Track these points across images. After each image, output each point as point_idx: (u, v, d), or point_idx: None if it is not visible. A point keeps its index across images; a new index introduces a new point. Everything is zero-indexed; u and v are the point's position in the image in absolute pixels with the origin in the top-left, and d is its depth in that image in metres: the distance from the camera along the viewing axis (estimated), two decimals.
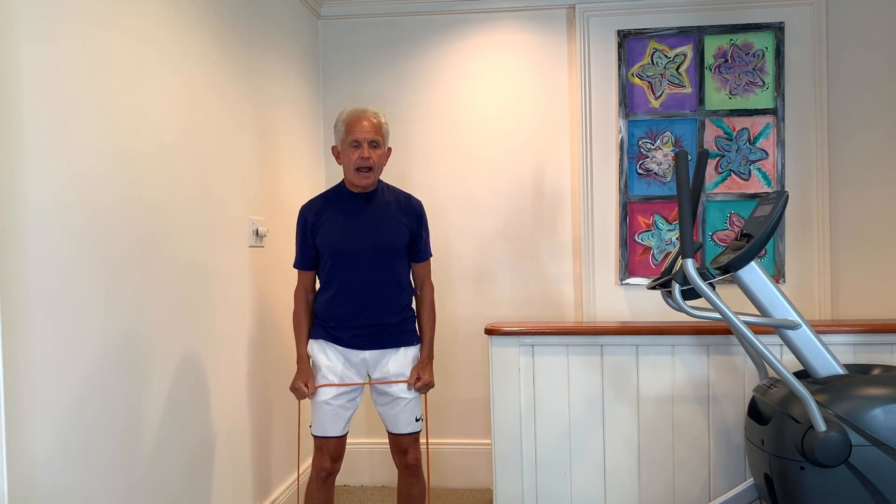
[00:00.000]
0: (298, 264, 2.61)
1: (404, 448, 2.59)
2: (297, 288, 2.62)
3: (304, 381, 2.51)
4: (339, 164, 2.54)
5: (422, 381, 2.54)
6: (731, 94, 3.55)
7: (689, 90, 3.57)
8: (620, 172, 3.59)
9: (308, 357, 2.57)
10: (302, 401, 2.82)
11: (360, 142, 2.45)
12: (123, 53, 2.03)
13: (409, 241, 2.58)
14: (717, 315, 2.21)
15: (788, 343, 2.32)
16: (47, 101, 1.73)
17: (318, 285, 2.64)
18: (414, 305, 2.65)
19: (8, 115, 1.60)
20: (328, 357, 2.53)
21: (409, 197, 2.62)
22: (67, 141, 1.80)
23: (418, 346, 2.62)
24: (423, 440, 2.62)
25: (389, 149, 2.58)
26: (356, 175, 2.48)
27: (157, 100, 2.20)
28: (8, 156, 1.60)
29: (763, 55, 3.53)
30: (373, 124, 2.47)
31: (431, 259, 2.69)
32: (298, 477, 2.63)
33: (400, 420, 2.56)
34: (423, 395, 2.61)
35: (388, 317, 2.53)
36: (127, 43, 2.05)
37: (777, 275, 3.51)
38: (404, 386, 2.54)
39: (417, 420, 2.58)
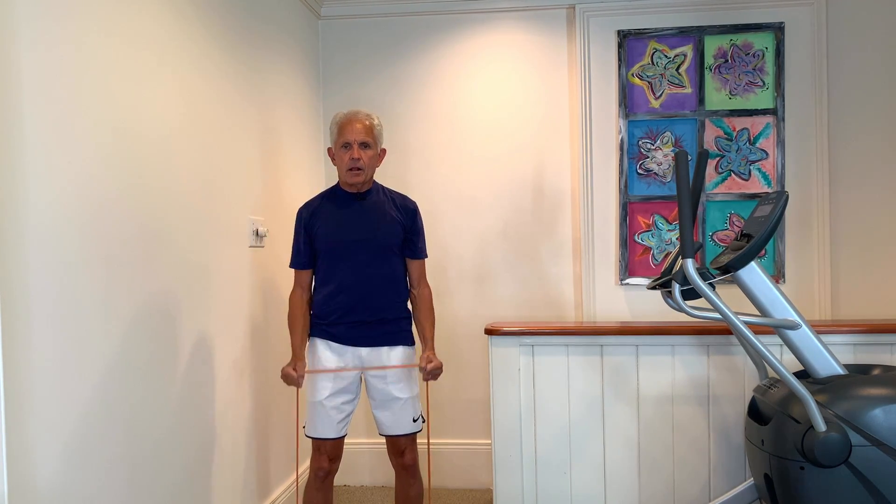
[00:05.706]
0: (294, 264, 2.62)
1: (401, 449, 2.58)
2: (293, 289, 2.62)
3: (293, 366, 2.53)
4: (334, 165, 2.60)
5: (433, 363, 2.53)
6: (731, 94, 3.55)
7: (689, 90, 3.57)
8: (620, 172, 3.59)
9: (302, 350, 2.57)
10: (299, 390, 2.77)
11: (351, 143, 2.52)
12: (123, 54, 2.03)
13: (403, 239, 2.59)
14: (717, 315, 2.21)
15: (788, 343, 2.32)
16: (48, 101, 1.73)
17: (314, 286, 2.65)
18: (410, 306, 2.66)
19: (9, 116, 1.60)
20: (324, 355, 2.54)
21: (404, 197, 2.66)
22: (68, 141, 1.80)
23: (414, 348, 2.62)
24: (423, 440, 2.61)
25: (383, 150, 2.63)
26: (348, 174, 2.53)
27: (157, 100, 2.20)
28: (9, 156, 1.60)
29: (763, 55, 3.53)
30: (364, 126, 2.53)
31: (431, 259, 2.68)
32: (297, 478, 2.63)
33: (397, 421, 2.55)
34: (426, 393, 2.60)
35: (385, 311, 2.54)
36: (127, 43, 2.05)
37: (777, 275, 3.51)
38: (402, 386, 2.54)
39: (415, 420, 2.58)
